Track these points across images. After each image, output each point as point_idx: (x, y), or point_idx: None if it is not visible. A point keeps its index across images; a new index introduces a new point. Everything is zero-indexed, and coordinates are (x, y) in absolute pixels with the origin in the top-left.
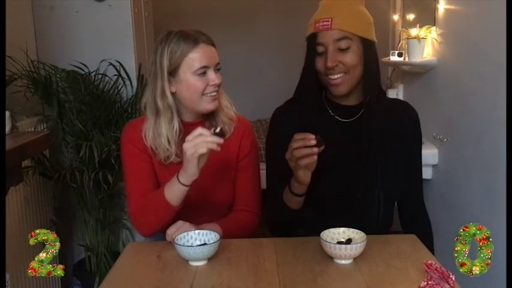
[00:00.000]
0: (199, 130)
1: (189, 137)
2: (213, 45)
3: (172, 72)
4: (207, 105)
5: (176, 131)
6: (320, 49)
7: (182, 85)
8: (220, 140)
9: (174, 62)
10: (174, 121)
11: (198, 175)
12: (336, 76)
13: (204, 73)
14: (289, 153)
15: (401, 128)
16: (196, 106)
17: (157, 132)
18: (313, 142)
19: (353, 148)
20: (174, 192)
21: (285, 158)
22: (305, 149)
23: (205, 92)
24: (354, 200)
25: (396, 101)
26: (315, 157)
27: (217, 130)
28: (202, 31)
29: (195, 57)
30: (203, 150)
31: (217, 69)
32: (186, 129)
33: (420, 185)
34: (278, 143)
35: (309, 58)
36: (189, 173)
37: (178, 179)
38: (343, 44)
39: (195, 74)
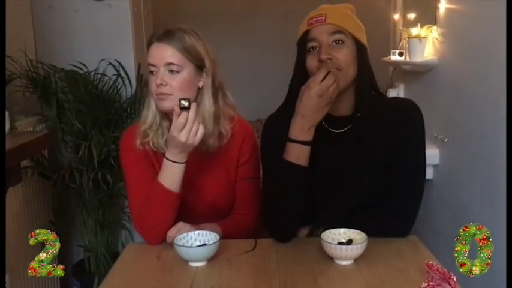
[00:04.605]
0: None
1: (178, 126)
2: (172, 44)
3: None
4: (158, 104)
5: (154, 121)
6: (312, 44)
7: None
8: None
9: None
10: (152, 111)
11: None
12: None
13: (152, 72)
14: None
15: (394, 131)
16: (159, 106)
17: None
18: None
19: (343, 159)
20: (167, 173)
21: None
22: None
23: (155, 92)
24: (345, 212)
25: (395, 101)
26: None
27: (183, 104)
28: (176, 27)
29: (148, 54)
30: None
31: (169, 71)
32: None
33: (406, 193)
34: (271, 152)
35: (300, 59)
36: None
37: (166, 158)
38: (336, 38)
39: (148, 71)
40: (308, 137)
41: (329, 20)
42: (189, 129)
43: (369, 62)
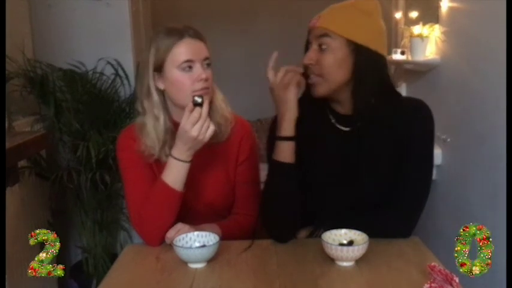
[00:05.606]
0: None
1: (192, 120)
2: (202, 39)
3: (159, 69)
4: (192, 101)
5: (162, 130)
6: (309, 47)
7: (168, 81)
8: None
9: (160, 57)
10: (161, 120)
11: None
12: (311, 76)
13: (189, 68)
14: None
15: (402, 133)
16: (186, 103)
17: (145, 130)
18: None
19: (348, 158)
20: (171, 171)
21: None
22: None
23: (193, 88)
24: (347, 213)
25: (406, 101)
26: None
27: (197, 100)
28: (191, 26)
29: (179, 51)
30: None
31: (206, 64)
32: (177, 128)
33: (411, 194)
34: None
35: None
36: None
37: (172, 156)
38: (322, 42)
39: (179, 68)
40: (288, 132)
41: (319, 23)
42: (201, 124)
43: (375, 67)
